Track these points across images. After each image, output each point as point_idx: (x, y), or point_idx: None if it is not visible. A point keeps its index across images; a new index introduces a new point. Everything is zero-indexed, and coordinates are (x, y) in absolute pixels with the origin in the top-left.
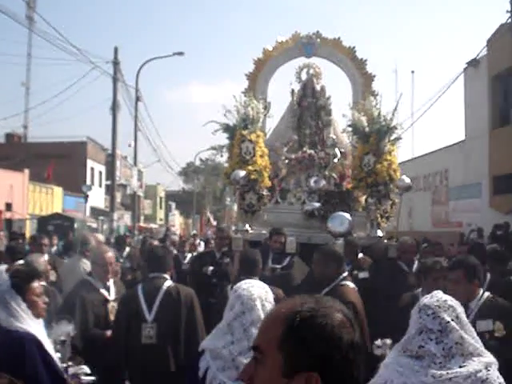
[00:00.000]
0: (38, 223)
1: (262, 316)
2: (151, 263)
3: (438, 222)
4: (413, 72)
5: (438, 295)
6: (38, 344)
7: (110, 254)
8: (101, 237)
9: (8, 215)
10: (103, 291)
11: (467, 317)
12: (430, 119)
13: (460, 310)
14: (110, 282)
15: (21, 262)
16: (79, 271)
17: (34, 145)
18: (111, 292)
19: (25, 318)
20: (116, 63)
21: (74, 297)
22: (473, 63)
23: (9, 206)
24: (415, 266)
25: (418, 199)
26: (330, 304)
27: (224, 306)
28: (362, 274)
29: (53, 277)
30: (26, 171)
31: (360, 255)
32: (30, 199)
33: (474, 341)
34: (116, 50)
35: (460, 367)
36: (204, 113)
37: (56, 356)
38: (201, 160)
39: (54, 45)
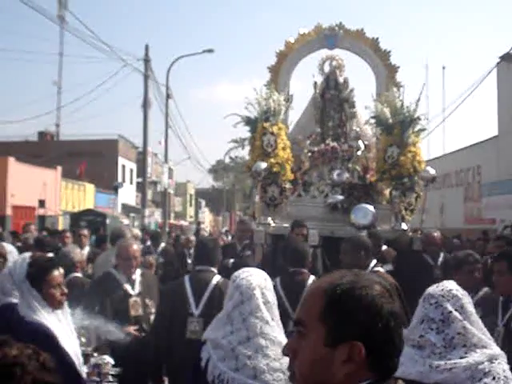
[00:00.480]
0: (70, 219)
1: (262, 305)
2: (199, 255)
3: (470, 218)
4: (444, 68)
5: (445, 284)
6: (51, 337)
7: (135, 246)
8: (136, 231)
9: (41, 212)
10: (126, 285)
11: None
12: (461, 115)
13: (466, 300)
14: (136, 276)
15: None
16: (112, 264)
17: (66, 143)
18: (135, 286)
19: (39, 309)
20: (147, 61)
21: (95, 290)
22: (506, 57)
23: (42, 203)
24: (440, 259)
25: (449, 195)
26: (369, 277)
27: None
28: (386, 267)
29: (90, 269)
30: (59, 168)
31: (384, 247)
32: (63, 196)
33: (479, 332)
34: (147, 47)
35: (461, 358)
36: (232, 111)
37: (75, 346)
38: (230, 158)
39: (86, 42)
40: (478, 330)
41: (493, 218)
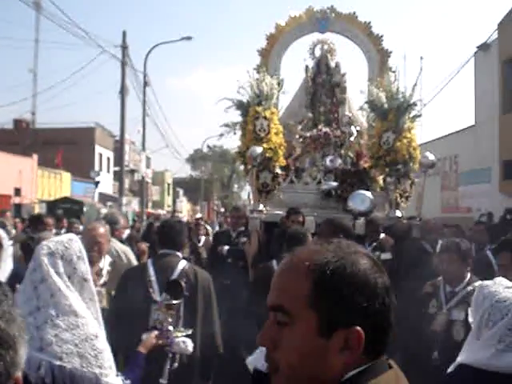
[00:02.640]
0: (47, 207)
1: (53, 273)
2: (163, 238)
3: (447, 207)
4: (422, 58)
5: (502, 282)
6: None
7: (101, 230)
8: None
9: (17, 200)
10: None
11: None
12: (439, 105)
13: None
14: (104, 265)
15: None
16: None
17: (42, 131)
18: (101, 275)
19: None
20: (124, 47)
21: None
22: (483, 47)
23: (18, 191)
24: (439, 246)
25: (427, 184)
26: (354, 249)
27: (238, 287)
28: (385, 256)
29: None
30: (35, 157)
31: (382, 235)
32: (39, 184)
33: None
34: (124, 34)
35: None
36: (211, 99)
37: None
38: (208, 147)
39: (63, 28)
40: None
41: (469, 206)
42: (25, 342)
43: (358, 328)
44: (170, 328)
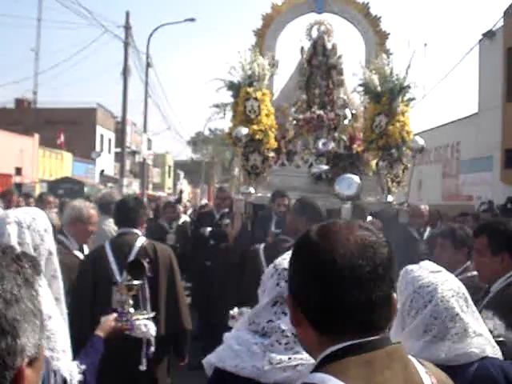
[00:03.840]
0: (48, 187)
1: (14, 242)
2: (120, 216)
3: (448, 195)
4: (425, 45)
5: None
6: None
7: (94, 210)
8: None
9: (18, 179)
10: (77, 253)
11: None
12: (442, 92)
13: None
14: (90, 245)
15: None
16: (103, 231)
17: (44, 110)
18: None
19: None
20: (127, 28)
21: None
22: (488, 35)
23: (19, 171)
24: (427, 233)
25: (428, 172)
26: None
27: (220, 269)
28: None
29: None
30: (36, 136)
31: (369, 218)
32: (40, 164)
33: None
34: (127, 14)
35: None
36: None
37: None
38: (210, 130)
39: (66, 7)
40: None
41: (470, 194)
42: (32, 328)
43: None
44: (131, 310)
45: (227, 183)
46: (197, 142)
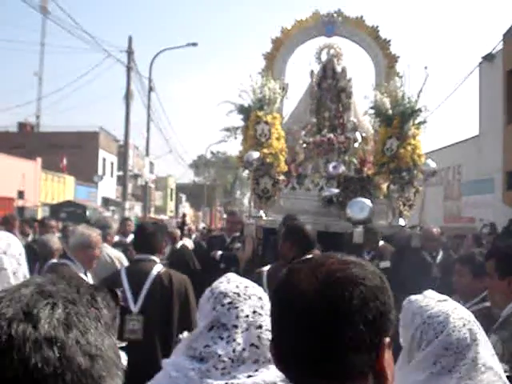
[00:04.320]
0: (50, 210)
1: None
2: (138, 242)
3: (449, 217)
4: (426, 67)
5: (237, 279)
6: None
7: (98, 236)
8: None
9: (20, 203)
10: (85, 277)
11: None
12: (443, 114)
13: (266, 299)
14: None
15: None
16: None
17: (47, 134)
18: (90, 280)
19: None
20: (130, 52)
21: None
22: (488, 58)
23: (21, 194)
24: (439, 257)
25: (430, 194)
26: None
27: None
28: (384, 264)
29: None
30: (39, 160)
31: (381, 243)
32: (42, 188)
33: None
34: (130, 39)
35: (248, 376)
36: (215, 106)
37: None
38: (212, 153)
39: (69, 32)
40: None
41: (472, 216)
42: (115, 382)
43: None
44: None
45: (229, 206)
46: (199, 165)
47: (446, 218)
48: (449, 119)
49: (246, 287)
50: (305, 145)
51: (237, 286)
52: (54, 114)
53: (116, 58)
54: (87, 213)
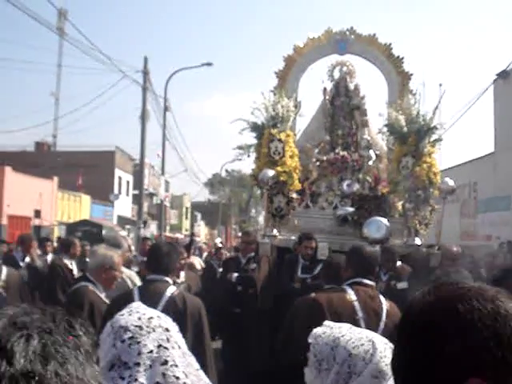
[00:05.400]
0: (66, 230)
1: None
2: (151, 262)
3: (465, 235)
4: (440, 85)
5: (140, 310)
6: None
7: (119, 256)
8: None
9: (37, 222)
10: (105, 300)
11: None
12: (458, 132)
13: (175, 330)
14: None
15: None
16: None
17: (63, 153)
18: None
19: None
20: (146, 73)
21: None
22: (503, 75)
23: (38, 213)
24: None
25: (445, 212)
26: None
27: (249, 315)
28: (401, 285)
29: None
30: (55, 179)
31: (398, 264)
32: (59, 207)
33: (195, 377)
34: (146, 59)
35: None
36: (229, 125)
37: None
38: (226, 171)
39: (85, 53)
40: (190, 372)
41: (488, 234)
42: None
43: None
44: None
45: (244, 224)
46: (214, 183)
47: (462, 235)
48: (464, 136)
49: (150, 319)
50: (318, 163)
51: (139, 318)
52: (71, 133)
53: (132, 78)
54: (103, 232)
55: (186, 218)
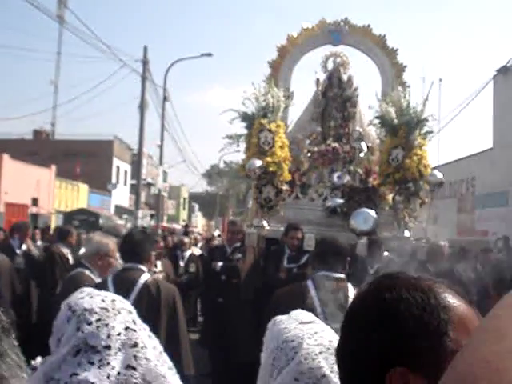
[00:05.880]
0: (64, 218)
1: None
2: (125, 250)
3: (463, 230)
4: (441, 80)
5: (100, 293)
6: None
7: (114, 244)
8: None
9: (34, 210)
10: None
11: None
12: (457, 127)
13: (135, 313)
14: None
15: None
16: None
17: (61, 142)
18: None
19: None
20: (145, 62)
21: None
22: (502, 70)
23: (35, 201)
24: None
25: (443, 207)
26: None
27: (232, 305)
28: None
29: None
30: (53, 167)
31: (385, 254)
32: (56, 195)
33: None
34: (145, 49)
35: None
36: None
37: None
38: (225, 162)
39: (85, 42)
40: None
41: (485, 229)
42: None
43: None
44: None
45: (241, 216)
46: (212, 174)
47: (459, 231)
48: (462, 132)
49: (113, 301)
50: (309, 154)
51: (102, 300)
52: (69, 122)
53: (131, 67)
54: (100, 221)
55: (184, 208)
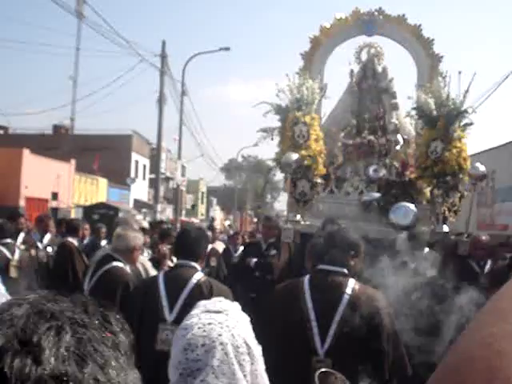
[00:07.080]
0: (83, 212)
1: None
2: (179, 246)
3: (482, 224)
4: (460, 73)
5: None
6: None
7: (140, 236)
8: (144, 222)
9: (54, 204)
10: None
11: None
12: (477, 120)
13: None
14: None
15: None
16: None
17: (81, 137)
18: None
19: None
20: (163, 57)
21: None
22: None
23: (55, 196)
24: (488, 266)
25: (462, 201)
26: None
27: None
28: (429, 272)
29: None
30: (73, 162)
31: (426, 250)
32: (76, 189)
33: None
34: (164, 43)
35: None
36: (247, 110)
37: None
38: (243, 157)
39: (104, 36)
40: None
41: (505, 223)
42: None
43: None
44: None
45: (259, 210)
46: (230, 168)
47: (479, 224)
48: (482, 125)
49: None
50: (344, 147)
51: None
52: (88, 116)
53: (150, 62)
54: (119, 215)
55: (202, 202)
